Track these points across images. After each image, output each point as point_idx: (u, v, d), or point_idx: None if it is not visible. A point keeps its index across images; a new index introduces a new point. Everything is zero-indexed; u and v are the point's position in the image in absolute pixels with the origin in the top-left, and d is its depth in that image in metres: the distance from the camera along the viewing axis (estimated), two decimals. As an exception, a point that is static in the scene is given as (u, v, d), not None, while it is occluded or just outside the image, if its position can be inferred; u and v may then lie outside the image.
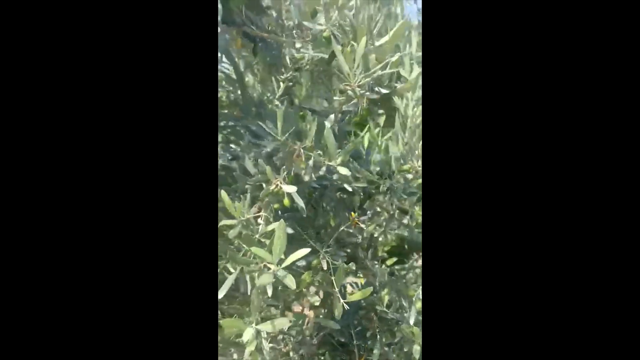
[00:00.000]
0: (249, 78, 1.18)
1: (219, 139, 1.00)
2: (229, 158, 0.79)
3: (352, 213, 0.86)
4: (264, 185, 0.70)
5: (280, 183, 0.58)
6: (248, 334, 0.57)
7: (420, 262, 1.47)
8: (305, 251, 0.53)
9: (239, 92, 1.07)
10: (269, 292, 0.58)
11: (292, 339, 1.13)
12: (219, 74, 1.18)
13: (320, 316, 1.08)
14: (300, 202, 0.57)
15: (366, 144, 0.77)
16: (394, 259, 1.15)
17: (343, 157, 0.56)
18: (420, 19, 1.74)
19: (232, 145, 0.87)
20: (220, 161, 0.81)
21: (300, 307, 1.18)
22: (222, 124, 1.02)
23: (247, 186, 0.68)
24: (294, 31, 0.69)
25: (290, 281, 0.53)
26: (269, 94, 1.16)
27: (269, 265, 0.58)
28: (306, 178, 0.58)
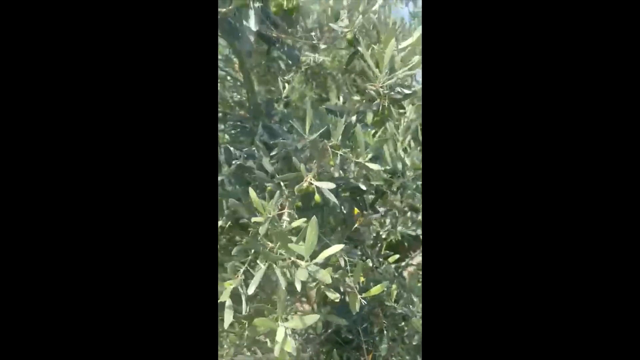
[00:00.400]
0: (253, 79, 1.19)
1: (228, 138, 1.00)
2: (244, 157, 0.79)
3: (355, 209, 0.88)
4: (281, 183, 0.71)
5: (312, 180, 0.59)
6: (281, 333, 0.58)
7: (417, 260, 1.51)
8: (339, 247, 0.55)
9: (245, 92, 1.08)
10: (299, 288, 0.59)
11: (297, 337, 1.14)
12: (223, 73, 1.18)
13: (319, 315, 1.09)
14: (333, 198, 0.58)
15: (390, 142, 0.79)
16: (396, 256, 1.18)
17: (372, 154, 0.58)
18: (412, 21, 1.79)
19: (244, 145, 0.87)
20: (235, 161, 0.81)
21: (306, 305, 1.19)
22: (229, 124, 1.02)
23: (269, 184, 0.69)
24: (313, 33, 0.70)
25: (324, 276, 0.55)
26: (273, 95, 1.17)
27: (297, 261, 0.60)
28: (335, 174, 0.60)
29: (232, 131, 0.99)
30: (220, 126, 1.00)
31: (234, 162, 0.80)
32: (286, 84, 1.13)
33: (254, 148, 0.81)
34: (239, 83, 1.28)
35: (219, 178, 0.78)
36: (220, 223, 0.84)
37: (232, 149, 0.82)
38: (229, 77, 1.25)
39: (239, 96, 1.29)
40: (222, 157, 0.78)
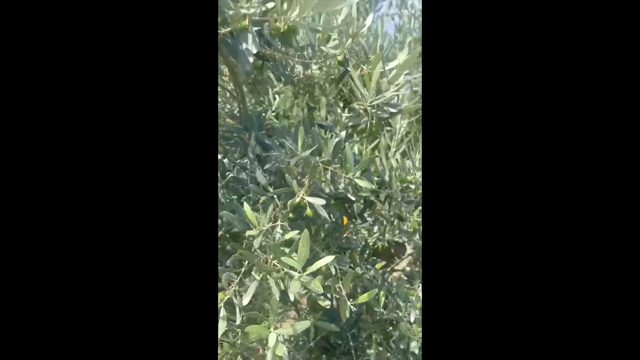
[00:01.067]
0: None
1: (219, 148, 1.02)
2: (238, 169, 0.82)
3: (345, 219, 0.92)
4: (275, 197, 0.74)
5: (304, 194, 0.62)
6: (272, 339, 0.60)
7: (401, 265, 1.56)
8: (330, 258, 0.58)
9: (236, 104, 1.10)
10: (292, 298, 0.62)
11: (286, 343, 1.16)
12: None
13: (309, 320, 1.12)
14: (324, 213, 0.62)
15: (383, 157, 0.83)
16: (383, 263, 1.22)
17: (361, 171, 0.62)
18: (399, 35, 1.84)
19: (236, 157, 0.90)
20: (228, 173, 0.83)
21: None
22: (219, 134, 1.05)
23: (262, 197, 0.71)
24: (305, 52, 0.74)
25: (316, 286, 0.57)
26: (264, 106, 1.19)
27: (290, 272, 0.62)
28: (327, 190, 0.63)
29: (224, 142, 1.01)
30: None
31: (227, 173, 0.82)
32: (277, 96, 1.16)
33: (246, 160, 0.84)
34: (228, 94, 1.31)
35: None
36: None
37: (225, 160, 0.84)
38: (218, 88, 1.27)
39: (229, 106, 1.32)
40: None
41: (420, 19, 1.77)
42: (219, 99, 1.30)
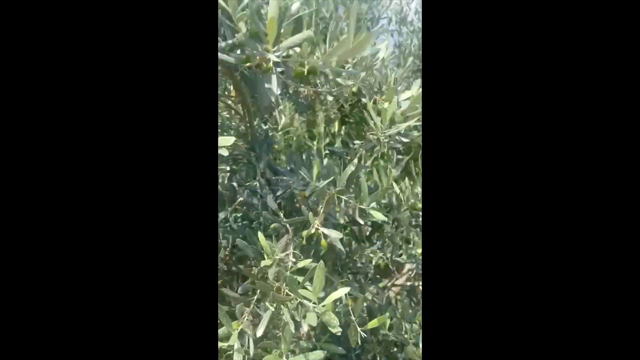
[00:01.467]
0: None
1: (228, 168, 1.02)
2: (248, 192, 0.82)
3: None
4: (287, 225, 0.73)
5: (319, 226, 0.63)
6: (287, 370, 0.60)
7: (400, 281, 1.56)
8: (345, 290, 0.58)
9: (245, 125, 1.11)
10: (306, 329, 0.62)
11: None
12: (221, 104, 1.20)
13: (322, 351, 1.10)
14: (340, 245, 0.62)
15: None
16: (385, 281, 1.22)
17: (376, 201, 0.62)
18: (397, 51, 1.87)
19: (244, 176, 0.90)
20: (238, 196, 0.83)
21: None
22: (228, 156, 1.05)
23: (274, 224, 0.71)
24: (318, 81, 0.75)
25: (331, 318, 0.58)
26: (270, 125, 1.20)
27: (304, 302, 0.62)
28: (341, 220, 0.64)
29: (231, 163, 1.01)
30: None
31: (237, 197, 0.82)
32: (282, 115, 1.16)
33: (255, 183, 0.84)
34: (233, 111, 1.31)
35: (223, 215, 0.80)
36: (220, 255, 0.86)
37: (234, 184, 0.84)
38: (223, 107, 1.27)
39: (233, 123, 1.32)
40: (225, 192, 0.80)
41: (419, 35, 1.80)
42: (226, 114, 1.30)
